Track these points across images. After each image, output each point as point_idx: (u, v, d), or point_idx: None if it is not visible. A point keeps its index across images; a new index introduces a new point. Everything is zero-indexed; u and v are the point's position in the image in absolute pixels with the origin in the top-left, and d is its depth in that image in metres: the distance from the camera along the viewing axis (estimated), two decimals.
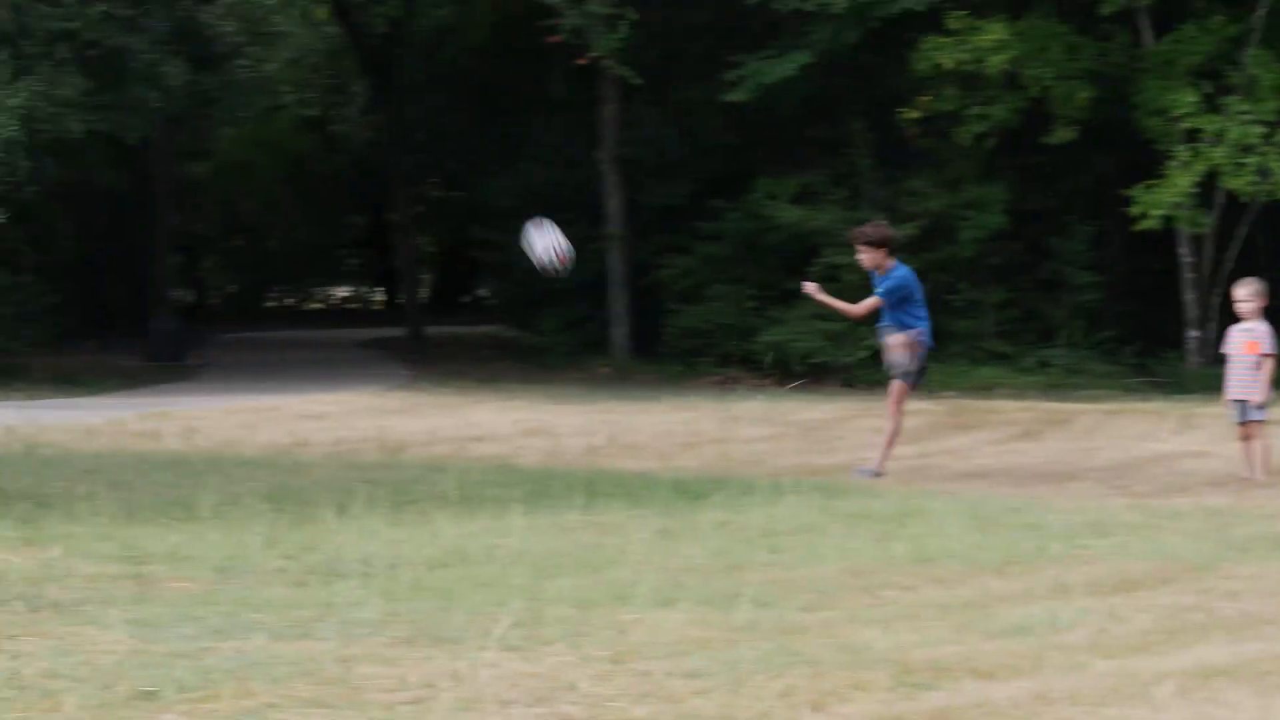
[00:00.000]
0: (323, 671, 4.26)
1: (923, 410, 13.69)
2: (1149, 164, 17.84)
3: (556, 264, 9.20)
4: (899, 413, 10.02)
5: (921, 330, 9.95)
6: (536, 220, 9.38)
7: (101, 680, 4.14)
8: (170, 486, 9.03)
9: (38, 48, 15.49)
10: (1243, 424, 9.70)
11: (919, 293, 10.09)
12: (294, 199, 31.65)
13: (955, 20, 17.81)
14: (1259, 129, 17.19)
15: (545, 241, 9.14)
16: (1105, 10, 18.09)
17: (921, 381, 10.40)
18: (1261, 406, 9.64)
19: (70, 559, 6.27)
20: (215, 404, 16.59)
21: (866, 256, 10.06)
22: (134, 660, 4.41)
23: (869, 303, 10.25)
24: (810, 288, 11.11)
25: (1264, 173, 17.17)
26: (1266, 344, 9.66)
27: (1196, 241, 18.61)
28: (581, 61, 19.31)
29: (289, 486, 9.01)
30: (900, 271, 10.08)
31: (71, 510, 7.69)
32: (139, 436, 12.63)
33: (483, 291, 30.54)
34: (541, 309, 21.90)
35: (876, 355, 11.76)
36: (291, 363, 23.04)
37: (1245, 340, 9.78)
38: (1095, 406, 15.90)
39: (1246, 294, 9.76)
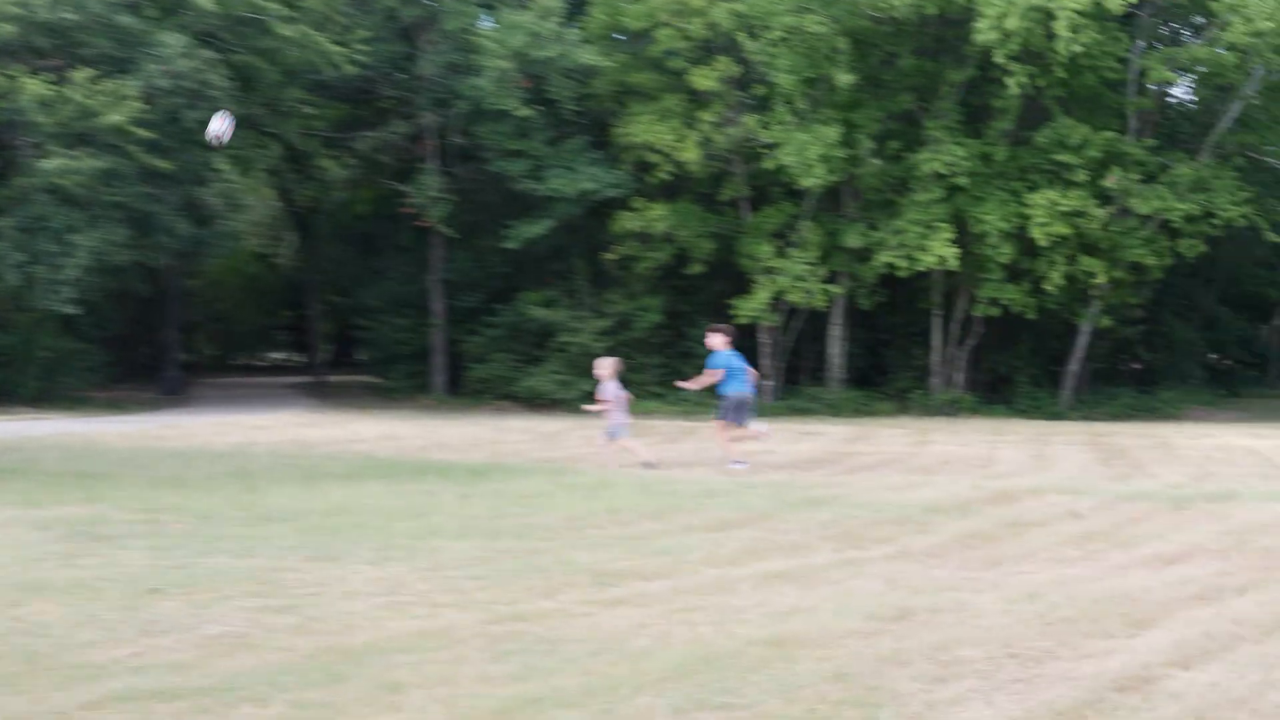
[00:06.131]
0: (260, 577, 6.78)
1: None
2: (745, 285, 27.90)
3: (215, 142, 10.98)
4: (723, 437, 13.73)
5: (739, 392, 13.38)
6: (224, 113, 10.75)
7: (129, 581, 6.56)
8: (172, 468, 12.86)
9: (103, 211, 23.77)
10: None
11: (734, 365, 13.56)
12: (249, 299, 49.07)
13: (637, 203, 27.83)
14: (806, 267, 27.05)
15: (217, 126, 10.58)
16: (723, 197, 28.52)
17: (742, 420, 13.71)
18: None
19: (111, 510, 9.25)
20: (200, 420, 22.76)
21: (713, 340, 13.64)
22: (149, 569, 6.89)
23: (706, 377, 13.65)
24: (681, 384, 15.10)
25: (809, 293, 27.15)
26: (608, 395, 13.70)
27: (770, 331, 28.49)
28: (422, 223, 29.50)
29: (244, 468, 12.81)
30: (724, 355, 13.56)
31: (113, 481, 11.24)
32: (155, 438, 17.88)
33: (361, 355, 43.18)
34: (394, 364, 32.64)
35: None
36: (246, 396, 32.44)
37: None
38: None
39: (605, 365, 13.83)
